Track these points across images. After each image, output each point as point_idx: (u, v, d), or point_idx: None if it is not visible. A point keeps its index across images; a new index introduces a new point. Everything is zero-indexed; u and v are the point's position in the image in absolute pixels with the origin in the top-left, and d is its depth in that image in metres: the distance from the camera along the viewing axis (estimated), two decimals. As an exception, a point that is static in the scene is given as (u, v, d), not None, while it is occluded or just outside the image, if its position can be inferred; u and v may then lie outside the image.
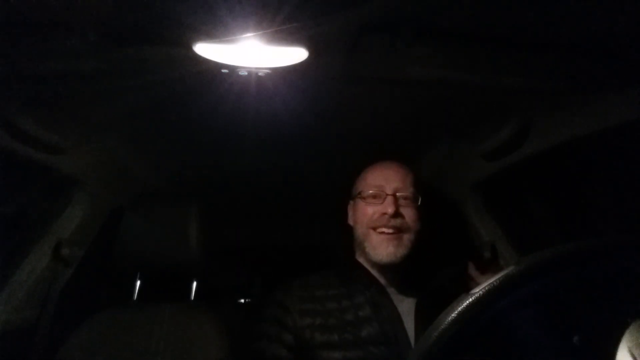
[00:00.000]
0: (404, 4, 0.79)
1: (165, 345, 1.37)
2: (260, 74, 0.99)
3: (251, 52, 0.89)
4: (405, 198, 1.23)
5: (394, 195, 1.22)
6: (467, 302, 0.56)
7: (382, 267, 1.23)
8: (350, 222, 1.34)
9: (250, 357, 1.19)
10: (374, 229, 1.22)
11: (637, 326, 0.57)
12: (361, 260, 1.29)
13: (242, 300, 2.81)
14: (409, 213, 1.22)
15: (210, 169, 1.86)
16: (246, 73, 0.98)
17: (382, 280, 1.24)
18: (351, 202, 1.36)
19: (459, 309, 0.55)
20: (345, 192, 1.41)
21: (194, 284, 1.67)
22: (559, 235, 1.61)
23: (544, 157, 1.33)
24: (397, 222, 1.20)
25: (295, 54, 0.90)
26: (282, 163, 1.77)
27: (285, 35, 0.82)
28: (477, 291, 0.56)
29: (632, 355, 0.54)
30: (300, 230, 2.54)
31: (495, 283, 0.56)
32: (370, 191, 1.26)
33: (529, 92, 1.13)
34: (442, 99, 1.22)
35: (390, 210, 1.19)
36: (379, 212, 1.21)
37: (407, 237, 1.21)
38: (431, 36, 0.88)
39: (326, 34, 0.84)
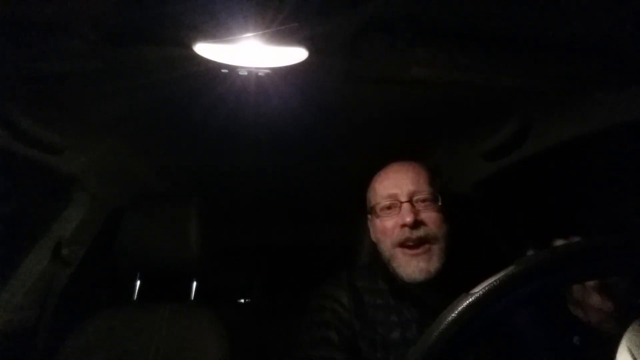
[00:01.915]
0: (404, 4, 0.79)
1: (165, 345, 1.37)
2: (260, 74, 0.99)
3: (251, 52, 0.89)
4: (423, 200, 1.09)
5: (409, 201, 1.08)
6: (467, 302, 0.56)
7: (419, 286, 1.08)
8: (373, 239, 1.20)
9: (309, 346, 1.09)
10: (399, 245, 1.08)
11: (637, 326, 0.57)
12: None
13: (242, 300, 2.81)
14: (432, 218, 1.07)
15: (211, 169, 1.86)
16: (246, 73, 0.98)
17: (423, 296, 1.09)
18: (369, 217, 1.23)
19: (459, 309, 0.55)
20: (356, 198, 1.31)
21: (194, 284, 1.67)
22: (558, 235, 1.61)
23: (544, 157, 1.33)
24: (421, 232, 1.05)
25: (295, 54, 0.90)
26: (282, 163, 1.77)
27: (285, 35, 0.82)
28: (477, 291, 0.56)
29: (632, 355, 0.54)
30: (301, 230, 2.55)
31: (495, 283, 0.56)
32: (383, 203, 1.12)
33: (529, 92, 1.13)
34: (442, 99, 1.22)
35: (409, 219, 1.05)
36: (398, 224, 1.08)
37: (437, 248, 1.06)
38: (431, 36, 0.88)
39: (326, 34, 0.84)
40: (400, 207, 1.09)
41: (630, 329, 0.57)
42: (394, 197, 1.11)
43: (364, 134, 1.49)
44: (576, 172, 1.47)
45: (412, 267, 1.05)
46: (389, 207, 1.12)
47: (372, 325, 1.08)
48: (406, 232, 1.06)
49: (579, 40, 0.89)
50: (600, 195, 1.44)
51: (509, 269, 0.57)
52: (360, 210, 1.55)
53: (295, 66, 0.94)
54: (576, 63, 0.96)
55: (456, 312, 0.55)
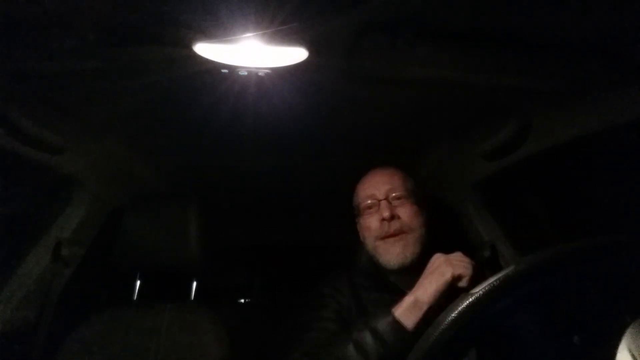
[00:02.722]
0: (404, 4, 0.79)
1: (165, 345, 1.37)
2: (260, 74, 0.99)
3: (251, 52, 0.89)
4: (398, 198, 1.23)
5: (386, 199, 1.22)
6: (467, 302, 0.56)
7: (401, 274, 1.21)
8: (361, 238, 1.33)
9: (306, 325, 1.20)
10: (380, 238, 1.21)
11: (637, 326, 0.57)
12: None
13: (242, 300, 2.81)
14: (406, 212, 1.21)
15: (211, 169, 1.86)
16: (246, 73, 0.98)
17: (407, 287, 1.19)
18: (356, 220, 1.35)
19: (459, 309, 0.55)
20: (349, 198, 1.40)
21: (194, 284, 1.67)
22: (559, 235, 1.61)
23: (544, 157, 1.33)
24: (397, 224, 1.19)
25: (295, 54, 0.90)
26: (282, 163, 1.77)
27: (285, 35, 0.82)
28: (477, 291, 0.56)
29: (632, 355, 0.54)
30: (300, 230, 2.55)
31: (495, 283, 0.56)
32: (365, 203, 1.26)
33: (529, 92, 1.13)
34: (442, 99, 1.22)
35: (386, 214, 1.19)
36: (377, 220, 1.21)
37: (412, 236, 1.19)
38: (431, 36, 0.88)
39: (326, 34, 0.85)
40: (378, 204, 1.23)
41: (630, 329, 0.57)
42: (373, 197, 1.25)
43: (363, 134, 1.49)
44: (576, 172, 1.47)
45: (391, 253, 1.18)
46: (369, 207, 1.25)
47: (365, 316, 1.16)
48: (385, 226, 1.20)
49: (579, 40, 0.89)
50: (600, 195, 1.44)
51: (509, 269, 0.57)
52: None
53: (295, 66, 0.94)
54: (576, 63, 0.96)
55: (456, 312, 0.55)
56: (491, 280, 0.56)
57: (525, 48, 0.92)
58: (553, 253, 0.59)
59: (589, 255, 0.60)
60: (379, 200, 1.23)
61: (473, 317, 0.55)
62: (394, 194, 1.23)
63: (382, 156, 1.38)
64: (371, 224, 1.23)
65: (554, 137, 1.24)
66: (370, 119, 1.37)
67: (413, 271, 1.16)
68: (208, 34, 0.83)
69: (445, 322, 0.55)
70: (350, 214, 1.39)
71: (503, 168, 1.46)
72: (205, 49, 0.87)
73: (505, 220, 1.68)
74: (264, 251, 2.72)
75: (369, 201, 1.25)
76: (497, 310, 0.56)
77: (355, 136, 1.51)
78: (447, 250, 1.09)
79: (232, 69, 0.96)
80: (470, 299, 0.55)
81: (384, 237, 1.20)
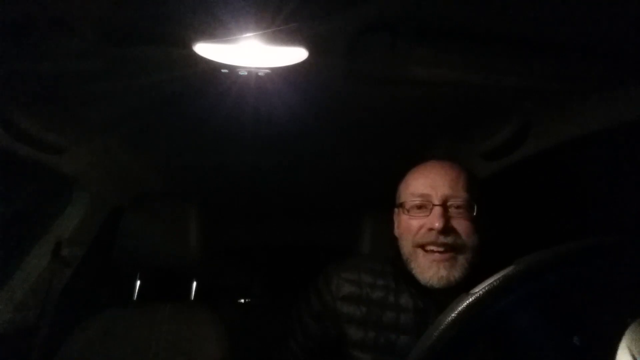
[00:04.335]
0: (404, 4, 0.79)
1: (165, 345, 1.37)
2: (260, 74, 0.99)
3: (251, 52, 0.89)
4: (457, 207, 1.02)
5: (442, 205, 1.02)
6: (467, 302, 0.56)
7: (432, 289, 1.02)
8: (395, 233, 1.15)
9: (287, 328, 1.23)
10: (422, 247, 1.03)
11: (637, 326, 0.57)
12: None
13: (242, 300, 2.81)
14: (463, 226, 1.01)
15: (210, 169, 1.86)
16: (246, 73, 0.98)
17: (431, 297, 1.06)
18: (396, 210, 1.16)
19: (459, 309, 0.55)
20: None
21: (194, 283, 1.67)
22: (559, 235, 1.61)
23: (544, 157, 1.33)
24: (449, 239, 1.00)
25: (295, 54, 0.90)
26: (282, 163, 1.77)
27: (285, 35, 0.82)
28: (477, 291, 0.56)
29: (632, 355, 0.54)
30: (301, 230, 2.55)
31: (495, 283, 0.56)
32: (414, 202, 1.06)
33: (529, 92, 1.13)
34: (442, 99, 1.22)
35: (438, 224, 0.99)
36: (426, 227, 1.02)
37: (462, 257, 1.00)
38: (431, 36, 0.88)
39: (326, 34, 0.84)
40: (431, 209, 1.03)
41: (630, 329, 0.57)
42: (426, 197, 1.05)
43: (363, 134, 1.49)
44: (576, 172, 1.47)
45: (432, 272, 1.00)
46: (419, 207, 1.06)
47: (367, 303, 1.09)
48: (432, 236, 1.01)
49: (579, 40, 0.89)
50: (600, 195, 1.44)
51: (509, 269, 0.57)
52: (359, 210, 1.55)
53: (295, 66, 0.94)
54: (576, 63, 0.96)
55: (456, 312, 0.55)
56: (491, 280, 0.56)
57: (525, 48, 0.92)
58: (553, 253, 0.59)
59: (589, 255, 0.60)
60: (433, 205, 1.02)
61: (473, 317, 0.55)
62: (453, 202, 1.02)
63: (382, 156, 1.38)
64: (415, 227, 1.04)
65: (554, 137, 1.24)
66: (370, 119, 1.37)
67: (449, 290, 0.99)
68: (208, 34, 0.83)
69: (445, 323, 0.55)
70: (350, 214, 1.38)
71: (503, 168, 1.46)
72: (205, 49, 0.87)
73: (505, 220, 1.68)
74: (264, 251, 2.72)
75: (420, 201, 1.05)
76: (497, 311, 0.56)
77: (355, 136, 1.51)
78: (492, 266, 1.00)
79: (232, 69, 0.96)
80: (470, 299, 0.55)
81: (427, 248, 1.02)
